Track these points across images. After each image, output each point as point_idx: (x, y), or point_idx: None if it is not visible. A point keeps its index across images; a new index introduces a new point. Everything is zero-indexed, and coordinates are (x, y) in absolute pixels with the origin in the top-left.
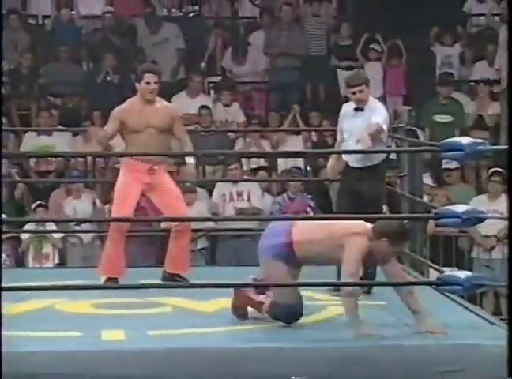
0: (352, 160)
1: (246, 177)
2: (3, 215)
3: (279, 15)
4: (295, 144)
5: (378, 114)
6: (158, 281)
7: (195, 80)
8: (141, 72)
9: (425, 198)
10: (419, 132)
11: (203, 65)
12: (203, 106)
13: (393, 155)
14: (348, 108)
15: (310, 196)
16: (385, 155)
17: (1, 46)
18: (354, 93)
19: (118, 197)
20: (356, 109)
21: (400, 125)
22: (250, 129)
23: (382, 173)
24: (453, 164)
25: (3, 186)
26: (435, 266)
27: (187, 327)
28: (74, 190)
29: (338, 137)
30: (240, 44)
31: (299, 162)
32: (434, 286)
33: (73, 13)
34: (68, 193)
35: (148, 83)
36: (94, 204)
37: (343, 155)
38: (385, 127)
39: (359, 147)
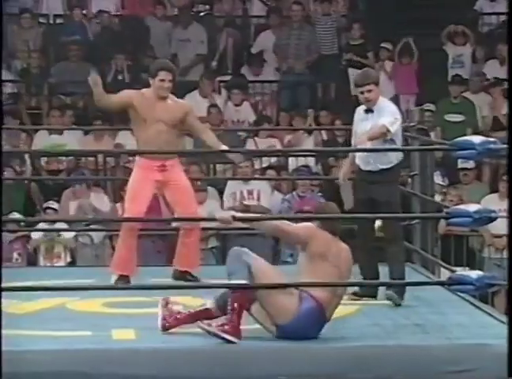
0: (363, 164)
1: (257, 176)
2: (16, 214)
3: (288, 14)
4: (308, 144)
5: (385, 115)
6: (169, 279)
7: (206, 80)
8: (155, 68)
9: (436, 197)
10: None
11: (214, 64)
12: (212, 106)
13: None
14: (360, 110)
15: (320, 194)
16: (400, 157)
17: (1, 46)
18: (362, 93)
19: (131, 194)
20: (367, 111)
21: (411, 124)
22: (260, 128)
23: (395, 176)
24: (470, 164)
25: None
26: (447, 265)
27: (197, 326)
28: (78, 192)
29: (352, 141)
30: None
31: (310, 161)
32: (446, 285)
33: (84, 12)
34: (77, 193)
35: (162, 80)
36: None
37: (356, 159)
38: (394, 128)
39: (371, 161)
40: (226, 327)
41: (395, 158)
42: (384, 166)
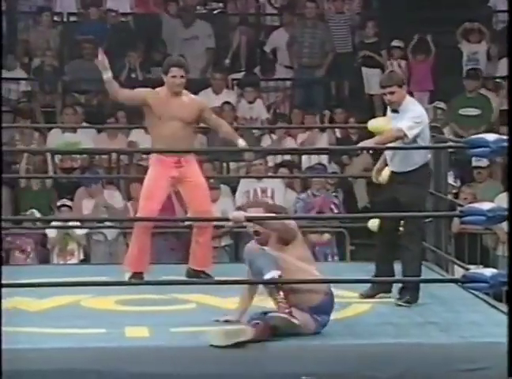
0: (391, 165)
1: (270, 174)
2: (35, 212)
3: (300, 12)
4: (322, 142)
5: (405, 119)
6: (182, 278)
7: (219, 78)
8: (167, 65)
9: (450, 196)
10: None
11: (227, 62)
12: (225, 103)
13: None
14: (389, 109)
15: (334, 193)
16: (426, 159)
17: (1, 44)
18: (385, 94)
19: (146, 192)
20: (393, 110)
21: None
22: (274, 126)
23: (420, 177)
24: (484, 162)
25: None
26: (461, 263)
27: (211, 324)
28: (93, 191)
29: None
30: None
31: (324, 159)
32: (460, 283)
33: (97, 10)
34: (91, 192)
35: (174, 76)
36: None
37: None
38: (413, 132)
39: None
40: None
41: (420, 159)
42: (408, 168)
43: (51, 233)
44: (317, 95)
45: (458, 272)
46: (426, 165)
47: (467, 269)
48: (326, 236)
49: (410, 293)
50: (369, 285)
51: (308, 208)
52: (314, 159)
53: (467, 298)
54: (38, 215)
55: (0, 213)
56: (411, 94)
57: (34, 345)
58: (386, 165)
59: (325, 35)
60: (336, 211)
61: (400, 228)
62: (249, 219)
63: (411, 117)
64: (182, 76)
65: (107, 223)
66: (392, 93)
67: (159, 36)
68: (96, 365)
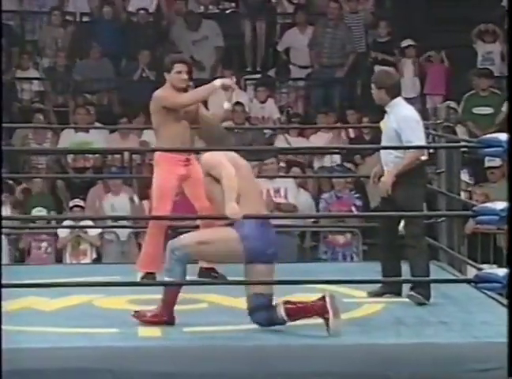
0: (386, 166)
1: (282, 174)
2: (41, 210)
3: (315, 12)
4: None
5: (406, 131)
6: (194, 277)
7: (230, 77)
8: (171, 62)
9: (463, 195)
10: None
11: (239, 61)
12: (237, 103)
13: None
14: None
15: (357, 195)
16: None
17: (1, 44)
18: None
19: (158, 191)
20: (384, 111)
21: (438, 121)
22: (285, 126)
23: (415, 177)
24: (497, 162)
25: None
26: (473, 263)
27: (223, 324)
28: (112, 186)
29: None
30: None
31: (336, 159)
32: (473, 283)
33: (109, 10)
34: (106, 190)
35: (179, 72)
36: (132, 200)
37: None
38: (420, 133)
39: (389, 163)
40: None
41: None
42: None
43: (62, 233)
44: (330, 95)
45: (471, 272)
46: (420, 165)
47: (480, 269)
48: (346, 237)
49: (421, 290)
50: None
51: (329, 209)
52: (327, 159)
53: (480, 298)
54: (43, 213)
55: (0, 213)
56: (424, 96)
57: (47, 344)
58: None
59: (346, 36)
60: (356, 212)
61: (400, 228)
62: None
63: (410, 128)
64: (186, 72)
65: (120, 222)
66: (372, 90)
67: (170, 36)
68: (109, 364)
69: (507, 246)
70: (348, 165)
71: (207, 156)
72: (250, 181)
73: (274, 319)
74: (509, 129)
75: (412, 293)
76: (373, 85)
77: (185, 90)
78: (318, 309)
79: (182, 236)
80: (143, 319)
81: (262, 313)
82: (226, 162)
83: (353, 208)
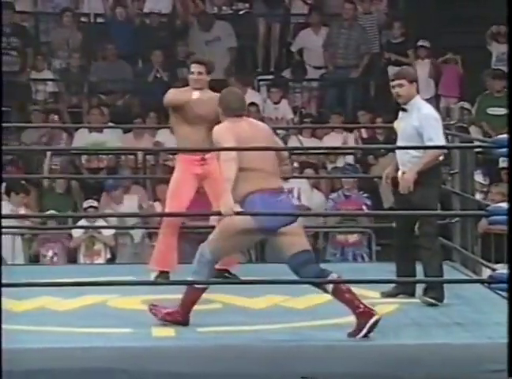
0: (402, 166)
1: (296, 175)
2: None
3: (329, 12)
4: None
5: (427, 130)
6: None
7: (245, 78)
8: (190, 63)
9: (478, 196)
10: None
11: (253, 62)
12: (251, 104)
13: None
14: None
15: (366, 194)
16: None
17: (1, 44)
18: (393, 87)
19: (172, 190)
20: (402, 109)
21: (452, 122)
22: (299, 126)
23: (430, 177)
24: None
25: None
26: (487, 264)
27: (237, 324)
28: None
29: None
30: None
31: (349, 160)
32: (486, 284)
33: (124, 11)
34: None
35: (192, 73)
36: (141, 206)
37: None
38: (440, 132)
39: (406, 163)
40: None
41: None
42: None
43: (76, 233)
44: (348, 96)
45: (485, 273)
46: (436, 165)
47: (493, 269)
48: (355, 236)
49: (435, 291)
50: (393, 284)
51: (338, 208)
52: (340, 160)
53: (494, 298)
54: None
55: (0, 213)
56: (438, 97)
57: (61, 344)
58: (397, 170)
59: (361, 37)
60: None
61: (415, 228)
62: (238, 213)
63: (430, 126)
64: (200, 73)
65: (134, 223)
66: (400, 86)
67: (183, 37)
68: (123, 364)
69: (507, 246)
70: (357, 164)
71: (216, 129)
72: (264, 154)
73: (324, 274)
74: (509, 128)
75: (426, 298)
76: (403, 81)
77: (200, 90)
78: (362, 312)
79: (209, 238)
80: (157, 314)
81: (310, 266)
82: (230, 140)
83: (364, 208)
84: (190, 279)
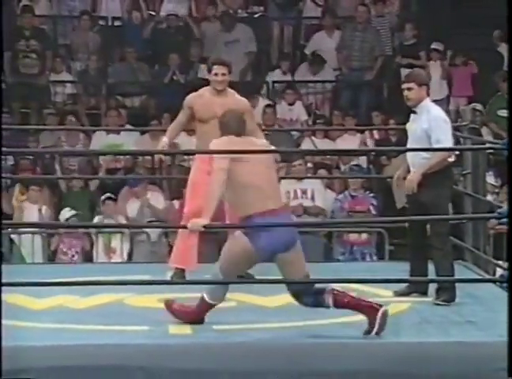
0: (413, 168)
1: (309, 175)
2: (68, 210)
3: (343, 15)
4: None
5: (436, 132)
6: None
7: (259, 80)
8: (210, 63)
9: (489, 197)
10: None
11: (267, 64)
12: (268, 106)
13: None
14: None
15: (372, 194)
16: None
17: (2, 45)
18: (403, 90)
19: (190, 190)
20: (413, 112)
21: (464, 123)
22: (311, 128)
23: (441, 178)
24: None
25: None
26: (499, 263)
27: (252, 322)
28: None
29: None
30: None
31: (362, 161)
32: (498, 283)
33: (140, 14)
34: (135, 193)
35: (216, 74)
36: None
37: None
38: (449, 142)
39: (416, 164)
40: None
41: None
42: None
43: (93, 230)
44: (362, 98)
45: (498, 272)
46: (448, 166)
47: (505, 269)
48: (364, 236)
49: (447, 292)
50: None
51: (345, 209)
52: (354, 161)
53: (505, 297)
54: (71, 213)
55: (0, 213)
56: (449, 98)
57: (79, 342)
58: (409, 171)
59: (375, 39)
60: (374, 212)
61: (427, 228)
62: (205, 227)
63: (439, 127)
64: (223, 74)
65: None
66: (410, 89)
67: (200, 40)
68: (140, 361)
69: (507, 246)
70: (370, 165)
71: (214, 143)
72: (263, 173)
73: (321, 302)
74: (509, 129)
75: (438, 302)
76: (412, 84)
77: (222, 91)
78: (368, 310)
79: (219, 261)
80: (171, 308)
81: (309, 297)
82: (224, 161)
83: (371, 208)
84: (205, 295)
